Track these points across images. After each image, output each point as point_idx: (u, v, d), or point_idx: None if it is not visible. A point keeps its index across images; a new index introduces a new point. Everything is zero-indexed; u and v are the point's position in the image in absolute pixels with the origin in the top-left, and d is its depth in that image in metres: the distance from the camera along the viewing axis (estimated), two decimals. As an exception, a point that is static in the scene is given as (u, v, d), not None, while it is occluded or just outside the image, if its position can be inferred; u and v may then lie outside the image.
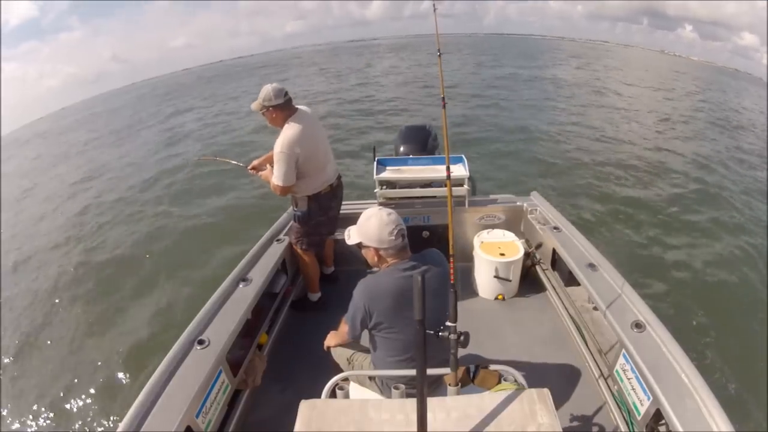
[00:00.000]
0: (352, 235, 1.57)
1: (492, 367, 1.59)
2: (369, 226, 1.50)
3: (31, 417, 3.16)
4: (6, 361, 3.79)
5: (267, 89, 2.24)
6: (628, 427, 1.76)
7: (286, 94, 2.27)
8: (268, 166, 2.45)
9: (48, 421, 3.11)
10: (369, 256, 1.56)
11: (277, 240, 2.64)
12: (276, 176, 2.28)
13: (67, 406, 3.20)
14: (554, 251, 2.64)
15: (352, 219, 1.94)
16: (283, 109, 2.27)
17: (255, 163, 2.61)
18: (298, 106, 2.37)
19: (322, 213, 2.51)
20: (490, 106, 13.12)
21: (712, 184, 7.44)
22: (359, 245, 1.56)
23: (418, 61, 28.11)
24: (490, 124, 11.04)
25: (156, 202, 7.47)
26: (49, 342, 3.97)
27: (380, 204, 2.94)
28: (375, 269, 1.61)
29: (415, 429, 1.03)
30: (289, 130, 2.24)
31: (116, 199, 8.04)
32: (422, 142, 3.58)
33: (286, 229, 2.76)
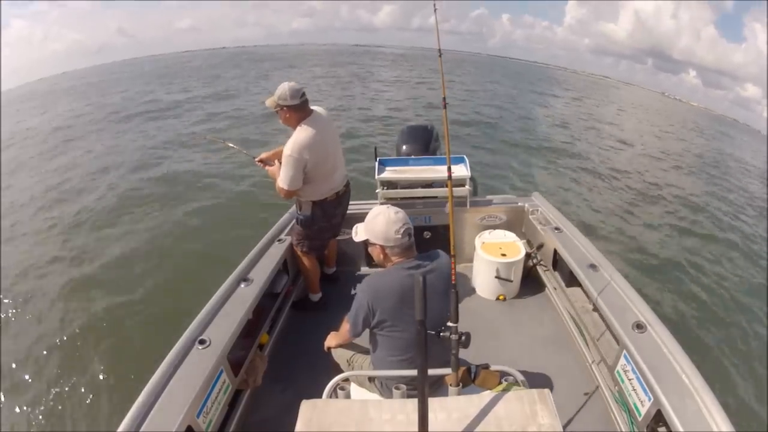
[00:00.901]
0: (359, 232, 1.58)
1: (493, 367, 1.59)
2: (376, 224, 1.51)
3: (28, 415, 3.17)
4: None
5: (284, 87, 2.17)
6: (629, 428, 1.76)
7: (303, 95, 2.21)
8: (276, 161, 2.39)
9: (45, 420, 3.12)
10: (375, 253, 1.57)
11: (279, 240, 2.64)
12: (282, 179, 2.25)
13: (66, 404, 3.21)
14: (555, 252, 2.64)
15: (353, 219, 1.93)
16: (297, 110, 2.21)
17: (263, 156, 2.55)
18: (314, 108, 2.32)
19: (326, 220, 2.49)
20: (490, 123, 13.20)
21: (711, 194, 7.51)
22: (366, 242, 1.56)
23: (420, 74, 28.13)
24: (491, 136, 11.11)
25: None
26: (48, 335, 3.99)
27: (381, 204, 2.93)
28: (377, 268, 1.61)
29: (416, 429, 1.03)
30: (301, 134, 2.19)
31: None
32: (424, 143, 3.58)
33: (288, 228, 2.76)
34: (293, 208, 2.70)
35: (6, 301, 4.64)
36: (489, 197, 3.22)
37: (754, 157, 17.11)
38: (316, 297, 2.76)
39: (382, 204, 2.82)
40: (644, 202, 7.35)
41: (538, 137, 11.09)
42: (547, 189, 7.14)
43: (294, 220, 2.63)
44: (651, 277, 4.52)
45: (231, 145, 3.00)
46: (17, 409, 3.23)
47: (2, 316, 4.38)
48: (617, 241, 5.44)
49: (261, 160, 2.55)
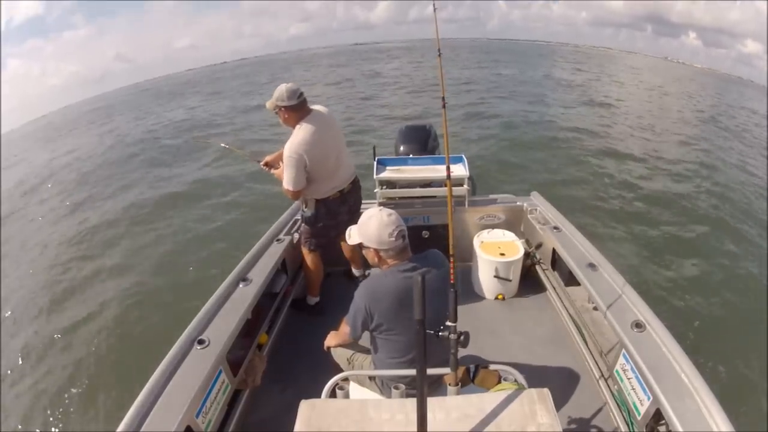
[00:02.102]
0: (353, 236, 1.57)
1: (492, 367, 1.59)
2: (369, 227, 1.49)
3: (28, 415, 3.17)
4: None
5: (281, 89, 2.20)
6: (628, 427, 1.76)
7: (301, 95, 2.22)
8: (281, 163, 2.39)
9: (45, 420, 3.11)
10: (369, 256, 1.56)
11: (278, 240, 2.64)
12: (286, 180, 2.26)
13: (66, 403, 3.21)
14: (554, 251, 2.64)
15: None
16: (295, 110, 2.23)
17: (268, 158, 2.55)
18: (315, 107, 2.32)
19: (330, 218, 2.47)
20: (494, 108, 13.15)
21: (714, 189, 7.46)
22: (360, 246, 1.56)
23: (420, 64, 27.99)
24: (493, 125, 11.08)
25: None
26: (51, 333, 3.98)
27: (380, 204, 2.95)
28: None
29: (415, 429, 1.03)
30: (299, 133, 2.20)
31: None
32: (422, 142, 3.58)
33: (287, 228, 2.77)
34: (294, 205, 2.70)
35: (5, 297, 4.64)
36: (488, 197, 3.22)
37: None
38: (313, 300, 2.76)
39: (381, 204, 2.82)
40: (652, 182, 7.33)
41: (546, 122, 11.02)
42: (547, 185, 7.13)
43: (300, 219, 2.62)
44: (651, 276, 4.52)
45: (236, 150, 2.99)
46: (16, 410, 3.23)
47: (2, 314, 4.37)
48: (617, 239, 5.44)
49: (266, 164, 2.55)
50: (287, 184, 2.26)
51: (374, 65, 28.52)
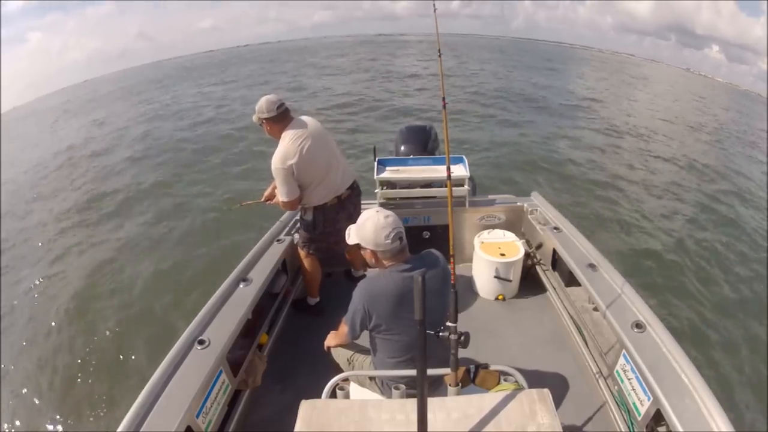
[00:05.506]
0: (351, 235, 1.57)
1: (492, 367, 1.59)
2: (366, 229, 1.49)
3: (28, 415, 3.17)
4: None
5: (261, 102, 2.23)
6: (629, 428, 1.76)
7: (281, 105, 2.24)
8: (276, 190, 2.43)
9: (45, 420, 3.11)
10: (367, 256, 1.57)
11: (278, 240, 2.64)
12: (279, 193, 2.29)
13: (66, 404, 3.21)
14: (554, 251, 2.64)
15: None
16: (277, 121, 2.24)
17: (267, 192, 2.59)
18: (300, 117, 2.34)
19: (329, 224, 2.45)
20: (502, 109, 13.14)
21: (715, 192, 7.48)
22: (358, 246, 1.56)
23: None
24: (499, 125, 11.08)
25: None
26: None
27: (380, 204, 2.95)
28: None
29: (416, 429, 1.03)
30: (282, 144, 2.23)
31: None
32: (423, 143, 3.58)
33: (287, 228, 2.77)
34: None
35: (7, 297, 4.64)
36: (488, 197, 3.22)
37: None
38: (313, 301, 2.76)
39: (379, 204, 2.81)
40: (660, 190, 7.35)
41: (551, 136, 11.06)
42: (548, 185, 7.14)
43: (298, 223, 2.62)
44: (651, 276, 4.53)
45: (245, 204, 2.97)
46: (15, 409, 3.23)
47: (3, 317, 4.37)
48: (617, 239, 5.44)
49: (267, 198, 2.59)
50: (281, 196, 2.29)
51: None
